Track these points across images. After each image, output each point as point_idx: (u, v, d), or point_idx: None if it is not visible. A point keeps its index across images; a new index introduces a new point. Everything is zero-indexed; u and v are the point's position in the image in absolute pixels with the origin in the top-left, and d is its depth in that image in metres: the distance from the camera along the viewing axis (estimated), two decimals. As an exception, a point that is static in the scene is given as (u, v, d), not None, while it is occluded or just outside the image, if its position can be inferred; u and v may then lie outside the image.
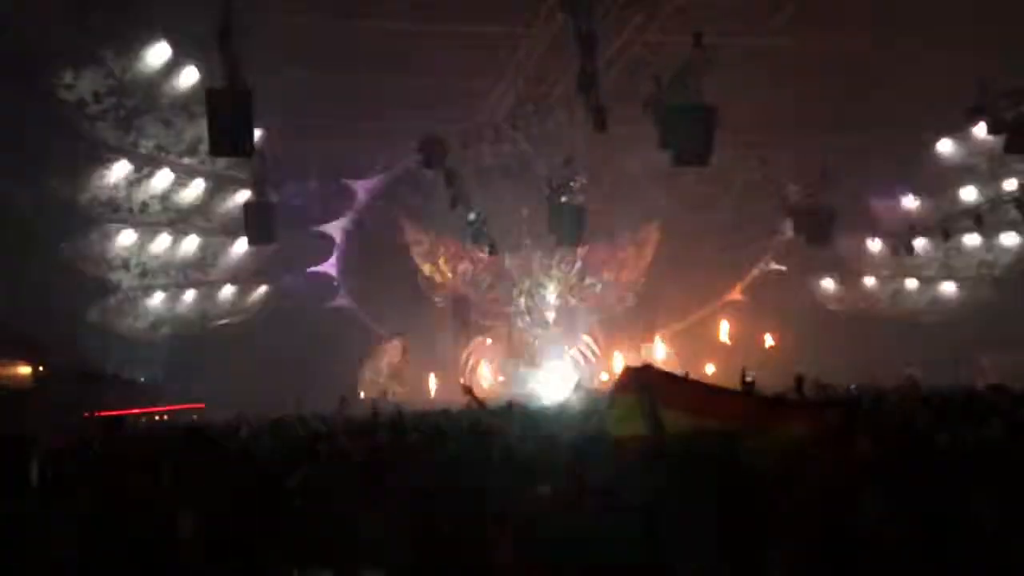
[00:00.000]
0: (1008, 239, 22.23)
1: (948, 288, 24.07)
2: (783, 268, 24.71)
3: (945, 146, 20.58)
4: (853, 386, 10.94)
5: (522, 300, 26.03)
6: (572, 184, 20.43)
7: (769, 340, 24.57)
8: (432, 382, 25.46)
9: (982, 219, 20.37)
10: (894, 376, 14.07)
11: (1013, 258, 22.63)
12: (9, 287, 15.16)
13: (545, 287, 26.02)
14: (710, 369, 24.04)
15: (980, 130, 18.22)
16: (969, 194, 21.19)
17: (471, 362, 26.16)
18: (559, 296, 26.05)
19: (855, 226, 22.80)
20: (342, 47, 16.77)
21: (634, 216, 24.09)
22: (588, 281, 26.02)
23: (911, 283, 24.38)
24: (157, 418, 16.51)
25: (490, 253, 23.54)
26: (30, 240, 15.70)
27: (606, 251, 25.50)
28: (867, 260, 24.41)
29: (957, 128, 19.53)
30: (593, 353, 26.04)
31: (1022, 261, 22.58)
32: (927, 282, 24.23)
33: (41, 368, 15.53)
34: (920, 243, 22.33)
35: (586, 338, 26.10)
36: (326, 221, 24.15)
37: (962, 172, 20.94)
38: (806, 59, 17.12)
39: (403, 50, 17.11)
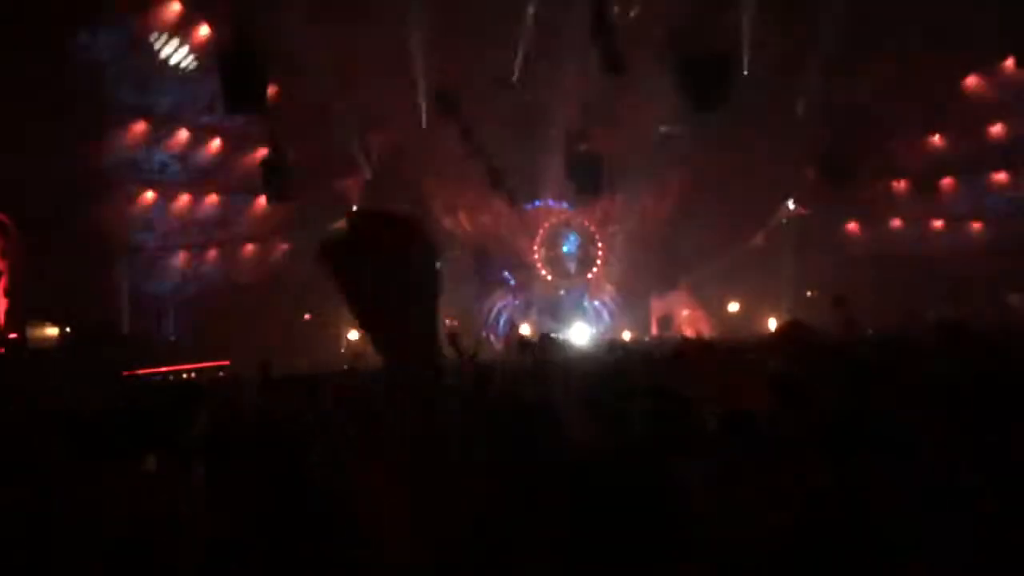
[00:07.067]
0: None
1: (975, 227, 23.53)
2: (806, 211, 24.26)
3: (973, 83, 20.01)
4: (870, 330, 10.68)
5: (543, 251, 25.96)
6: (590, 132, 20.18)
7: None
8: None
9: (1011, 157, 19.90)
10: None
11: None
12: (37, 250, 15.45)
13: (566, 237, 25.91)
14: (734, 307, 24.20)
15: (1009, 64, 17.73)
16: (998, 131, 20.66)
17: (494, 314, 26.17)
18: (580, 246, 25.94)
19: (880, 167, 22.32)
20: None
21: (656, 163, 23.70)
22: (610, 230, 25.82)
23: (937, 224, 23.84)
24: (185, 376, 16.67)
25: (510, 204, 23.42)
26: (55, 205, 15.80)
27: (627, 199, 25.17)
28: (892, 201, 23.92)
29: (986, 64, 18.96)
30: (616, 303, 25.96)
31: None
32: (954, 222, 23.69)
33: (68, 329, 15.75)
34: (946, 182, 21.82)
35: (608, 287, 25.99)
36: (343, 177, 23.98)
37: (990, 109, 20.38)
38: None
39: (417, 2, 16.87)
